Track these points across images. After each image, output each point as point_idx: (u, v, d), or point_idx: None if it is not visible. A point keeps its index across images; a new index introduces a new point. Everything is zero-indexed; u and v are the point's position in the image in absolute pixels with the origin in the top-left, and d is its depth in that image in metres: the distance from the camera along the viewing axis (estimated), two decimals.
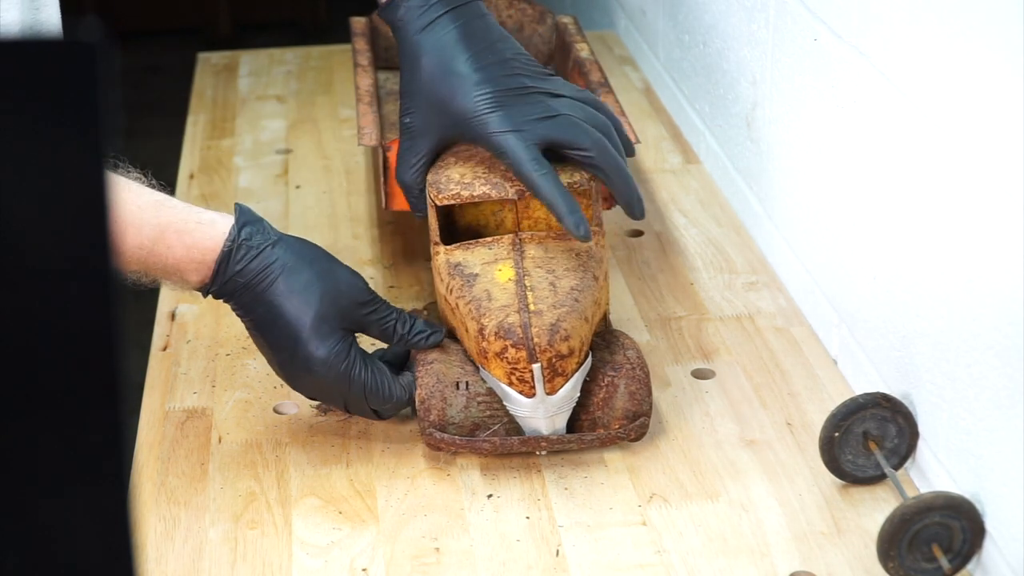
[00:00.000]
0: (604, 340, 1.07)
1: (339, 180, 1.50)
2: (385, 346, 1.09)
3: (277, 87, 1.74)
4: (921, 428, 1.03)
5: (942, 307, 0.99)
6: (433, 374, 1.04)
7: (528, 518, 1.00)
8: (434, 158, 1.13)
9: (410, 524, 1.00)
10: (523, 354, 1.00)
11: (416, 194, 1.13)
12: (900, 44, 1.04)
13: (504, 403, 1.03)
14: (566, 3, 2.30)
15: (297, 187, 1.48)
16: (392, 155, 1.21)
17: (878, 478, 1.03)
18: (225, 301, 1.04)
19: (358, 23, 1.47)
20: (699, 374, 1.17)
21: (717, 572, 0.95)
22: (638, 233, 1.39)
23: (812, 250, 1.24)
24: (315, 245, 1.07)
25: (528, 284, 1.03)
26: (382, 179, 1.22)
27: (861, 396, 1.02)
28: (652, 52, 1.74)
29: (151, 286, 1.05)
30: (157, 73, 3.45)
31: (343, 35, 1.53)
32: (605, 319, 1.11)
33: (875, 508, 1.01)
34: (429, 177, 1.11)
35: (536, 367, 1.00)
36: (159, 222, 1.00)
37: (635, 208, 1.08)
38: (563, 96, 1.10)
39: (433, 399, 1.03)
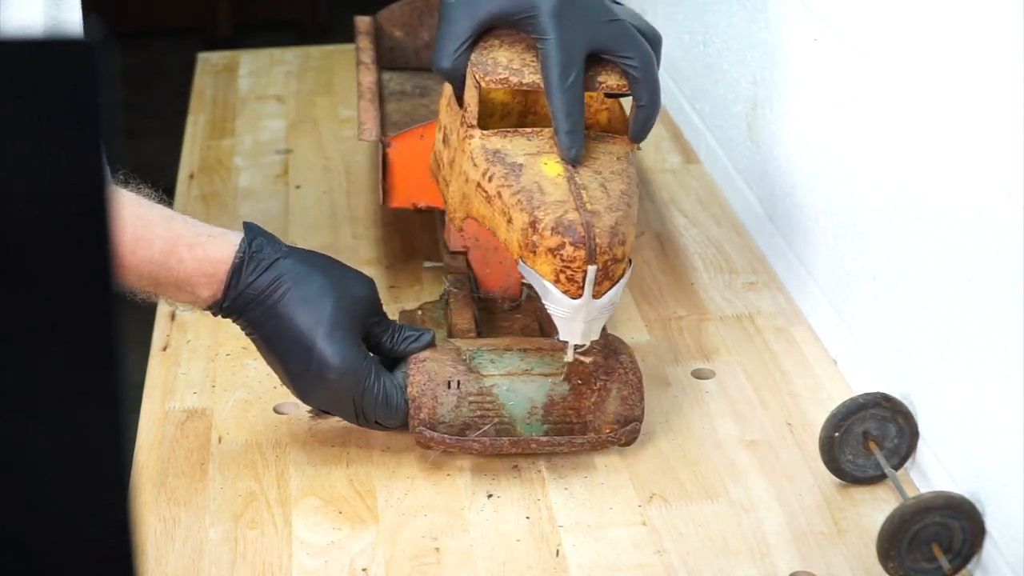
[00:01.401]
0: (598, 345, 1.06)
1: (339, 180, 1.50)
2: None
3: (277, 87, 1.74)
4: (921, 428, 1.03)
5: (942, 307, 0.99)
6: (425, 372, 1.03)
7: (528, 518, 1.00)
8: (475, 42, 1.06)
9: (410, 524, 1.00)
10: (581, 253, 0.96)
11: (461, 80, 1.06)
12: (900, 44, 1.04)
13: (541, 300, 1.00)
14: None
15: (297, 187, 1.48)
16: (392, 151, 1.21)
17: (878, 478, 1.03)
18: (235, 320, 1.03)
19: (362, 22, 1.47)
20: (699, 374, 1.17)
21: (717, 572, 0.95)
22: (638, 233, 1.39)
23: (812, 250, 1.24)
24: (326, 256, 1.05)
25: (580, 182, 1.00)
26: (381, 175, 1.22)
27: (861, 396, 1.02)
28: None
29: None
30: (157, 73, 3.45)
31: (343, 35, 1.53)
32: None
33: (875, 508, 1.01)
34: (473, 58, 1.05)
35: (591, 268, 0.96)
36: (170, 235, 1.00)
37: (641, 132, 1.05)
38: (623, 4, 1.06)
39: (424, 397, 1.03)
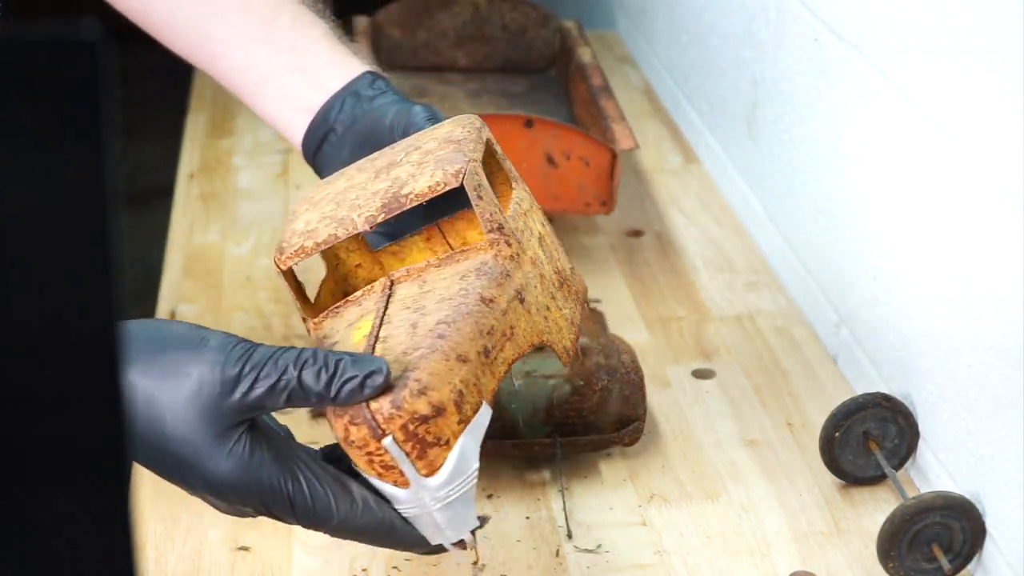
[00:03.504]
0: (599, 345, 1.06)
1: None
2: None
3: None
4: (921, 428, 1.03)
5: (942, 307, 0.99)
6: None
7: (528, 518, 1.00)
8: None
9: None
10: (365, 431, 0.75)
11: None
12: (900, 44, 1.04)
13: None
14: (567, 3, 2.30)
15: (297, 187, 1.48)
16: None
17: (878, 478, 1.03)
18: None
19: (361, 23, 1.47)
20: (699, 374, 1.17)
21: (717, 572, 0.95)
22: (638, 233, 1.39)
23: (812, 250, 1.24)
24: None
25: (382, 335, 0.79)
26: None
27: (861, 396, 1.02)
28: (652, 52, 1.74)
29: None
30: (157, 73, 3.45)
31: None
32: (603, 324, 1.10)
33: (875, 508, 1.01)
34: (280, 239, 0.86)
35: (388, 442, 0.75)
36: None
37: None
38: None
39: None
